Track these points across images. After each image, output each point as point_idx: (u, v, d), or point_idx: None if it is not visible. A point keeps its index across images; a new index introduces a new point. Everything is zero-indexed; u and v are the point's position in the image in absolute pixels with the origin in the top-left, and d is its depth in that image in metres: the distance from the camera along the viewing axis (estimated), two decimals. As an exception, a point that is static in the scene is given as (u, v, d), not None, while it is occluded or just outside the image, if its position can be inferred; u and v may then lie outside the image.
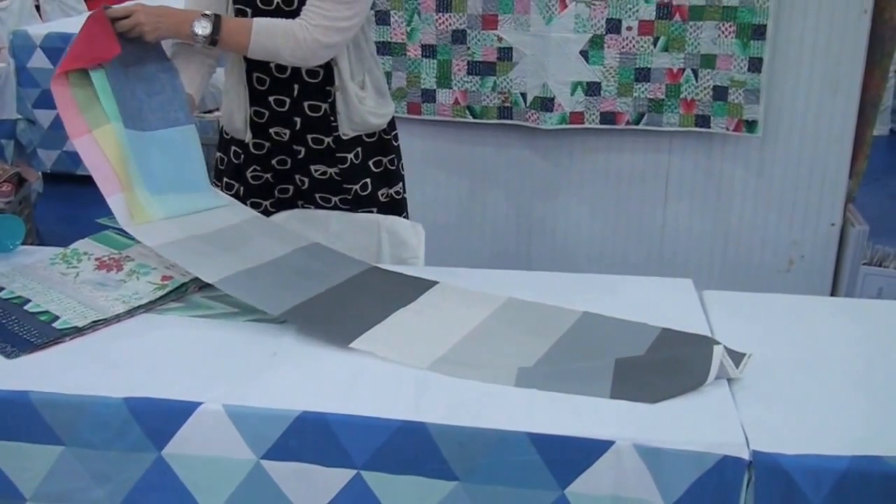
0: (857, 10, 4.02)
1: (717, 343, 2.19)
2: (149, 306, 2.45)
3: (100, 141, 2.64)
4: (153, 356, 2.23)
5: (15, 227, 2.78)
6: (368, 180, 3.13)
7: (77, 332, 2.31)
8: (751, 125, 4.15)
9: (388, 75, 4.27)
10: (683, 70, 4.15)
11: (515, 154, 4.46)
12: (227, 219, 2.77)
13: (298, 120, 3.03)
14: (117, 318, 2.39)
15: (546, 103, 4.21)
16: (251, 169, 3.13)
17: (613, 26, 4.11)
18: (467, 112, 4.34)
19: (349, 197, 3.12)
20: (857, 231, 4.27)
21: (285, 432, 1.99)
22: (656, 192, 4.42)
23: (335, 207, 3.14)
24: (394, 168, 3.22)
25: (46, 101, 6.71)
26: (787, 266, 4.41)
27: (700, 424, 1.96)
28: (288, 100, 3.01)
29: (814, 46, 4.11)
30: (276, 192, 3.18)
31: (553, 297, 2.53)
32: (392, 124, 3.21)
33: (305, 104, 3.01)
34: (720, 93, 4.14)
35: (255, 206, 3.12)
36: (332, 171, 3.10)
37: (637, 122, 4.25)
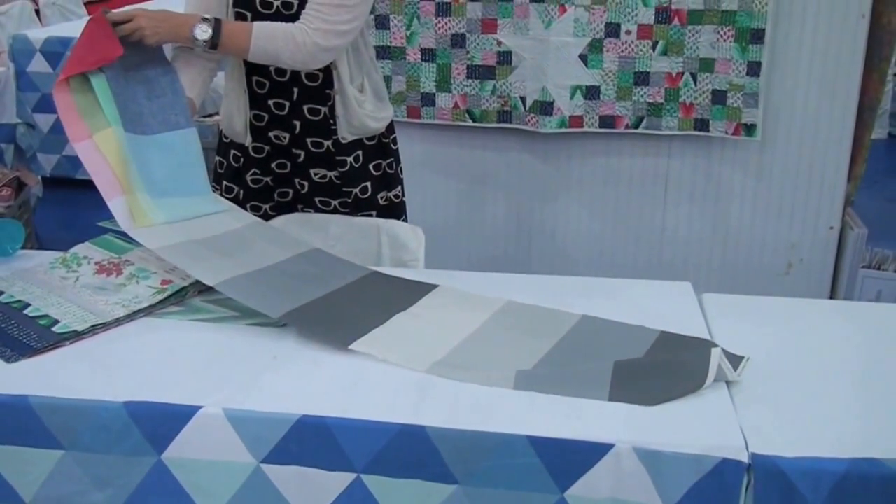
0: (855, 15, 4.03)
1: (715, 346, 2.20)
2: (149, 310, 2.45)
3: (101, 145, 2.65)
4: (153, 360, 2.24)
5: (15, 231, 2.78)
6: (368, 184, 3.14)
7: (77, 336, 2.31)
8: (750, 129, 4.15)
9: (388, 79, 4.27)
10: (682, 74, 4.15)
11: (515, 158, 4.46)
12: (227, 224, 2.77)
13: (298, 123, 3.03)
14: (117, 322, 2.39)
15: (545, 107, 4.21)
16: (251, 172, 3.13)
17: (612, 30, 4.11)
18: (467, 116, 4.34)
19: (349, 200, 3.13)
20: (856, 234, 4.27)
21: (285, 436, 2.00)
22: (655, 196, 4.42)
23: (335, 211, 3.14)
24: (393, 172, 3.22)
25: (46, 105, 6.72)
26: (786, 269, 4.41)
27: (699, 427, 1.96)
28: (287, 103, 3.01)
29: (812, 50, 4.11)
30: (275, 195, 3.18)
31: (552, 300, 2.54)
32: (391, 128, 3.21)
33: (305, 108, 3.01)
34: (719, 97, 4.15)
35: (254, 209, 3.12)
36: (331, 174, 3.10)
37: (636, 126, 4.25)
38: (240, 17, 2.89)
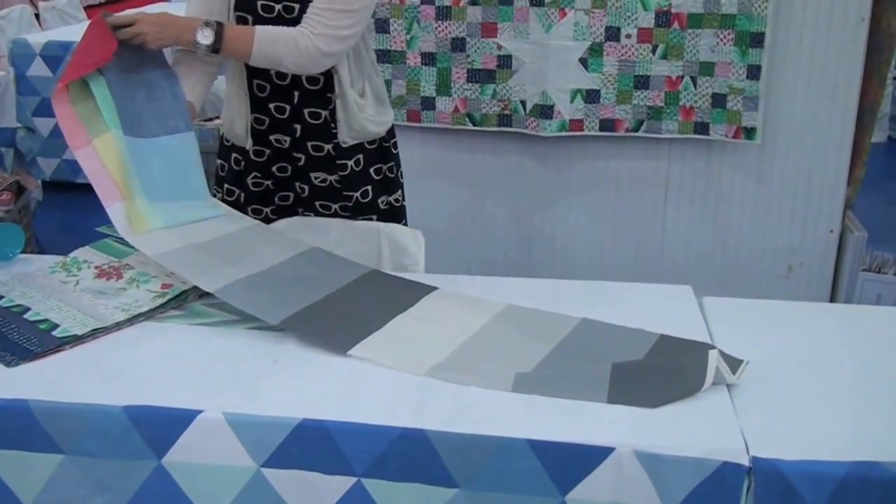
0: (855, 18, 4.03)
1: (713, 348, 2.20)
2: (149, 314, 2.45)
3: (100, 150, 2.65)
4: (153, 364, 2.24)
5: (14, 235, 2.78)
6: (369, 188, 3.14)
7: (77, 340, 2.31)
8: (749, 132, 4.15)
9: (388, 83, 4.28)
10: (682, 77, 4.15)
11: (515, 161, 4.46)
12: (225, 227, 2.77)
13: (298, 127, 3.03)
14: (117, 326, 2.39)
15: (545, 111, 4.22)
16: (252, 176, 3.13)
17: (612, 34, 4.11)
18: (467, 119, 4.35)
19: (349, 204, 3.12)
20: (856, 237, 4.27)
21: (286, 440, 2.00)
22: (656, 199, 4.42)
23: (335, 215, 3.14)
24: (393, 175, 3.22)
25: (46, 109, 6.72)
26: (786, 272, 4.41)
27: (700, 431, 1.96)
28: (288, 107, 3.01)
29: (812, 54, 4.11)
30: (276, 199, 3.18)
31: (552, 303, 2.53)
32: (392, 132, 3.21)
33: (305, 111, 3.01)
34: (719, 100, 4.15)
35: (255, 212, 3.12)
36: (331, 178, 3.10)
37: (636, 130, 4.25)
38: (241, 20, 2.89)
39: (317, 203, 3.14)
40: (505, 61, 4.22)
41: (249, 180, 3.14)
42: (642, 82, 4.17)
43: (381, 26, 4.25)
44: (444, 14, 4.19)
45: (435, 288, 2.62)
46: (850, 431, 1.99)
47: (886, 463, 1.87)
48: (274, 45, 2.80)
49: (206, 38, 2.74)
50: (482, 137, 4.42)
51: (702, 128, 4.21)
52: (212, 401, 2.06)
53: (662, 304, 2.57)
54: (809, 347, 2.36)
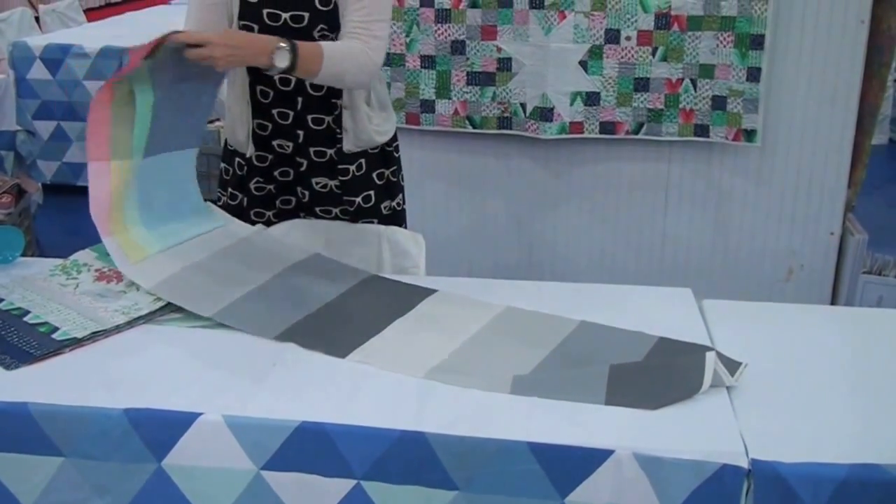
0: (855, 20, 4.03)
1: (711, 350, 2.20)
2: (148, 317, 2.45)
3: (113, 174, 2.62)
4: (153, 367, 2.24)
5: (14, 238, 2.78)
6: (371, 193, 3.13)
7: (76, 343, 2.31)
8: (750, 134, 4.15)
9: (388, 86, 4.26)
10: (682, 80, 4.15)
11: (515, 164, 4.46)
12: (222, 241, 2.77)
13: (301, 133, 3.02)
14: (117, 329, 2.39)
15: (545, 113, 4.22)
16: (254, 181, 3.13)
17: (612, 36, 4.11)
18: (467, 122, 4.34)
19: (350, 209, 3.12)
20: (857, 240, 4.27)
21: (285, 442, 2.00)
22: (656, 202, 4.42)
23: (336, 219, 3.14)
24: (395, 180, 3.22)
25: (46, 112, 6.73)
26: (787, 275, 4.41)
27: (699, 433, 1.97)
28: (291, 113, 3.00)
29: (812, 56, 4.11)
30: (278, 202, 3.17)
31: (552, 306, 2.54)
32: (394, 136, 3.20)
33: (309, 117, 3.00)
34: (719, 102, 4.15)
35: (258, 216, 3.12)
36: (332, 183, 3.10)
37: (636, 132, 4.25)
38: (246, 29, 2.88)
39: (317, 208, 3.14)
40: (505, 64, 4.22)
41: (252, 185, 3.13)
42: (642, 85, 4.17)
43: (381, 29, 4.25)
44: (443, 17, 4.19)
45: (434, 291, 2.62)
46: (850, 434, 1.99)
47: (886, 465, 1.87)
48: (340, 63, 2.77)
49: (283, 60, 2.66)
50: (482, 140, 4.41)
51: (702, 130, 4.21)
52: (211, 403, 2.06)
53: (662, 307, 2.57)
54: (809, 350, 2.36)
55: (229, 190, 3.18)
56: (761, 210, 4.35)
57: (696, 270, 4.45)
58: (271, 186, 3.14)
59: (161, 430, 2.04)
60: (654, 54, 4.12)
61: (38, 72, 6.74)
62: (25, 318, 2.42)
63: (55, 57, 6.72)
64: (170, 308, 2.49)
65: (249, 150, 3.07)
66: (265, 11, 2.84)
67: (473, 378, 2.17)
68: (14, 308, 2.47)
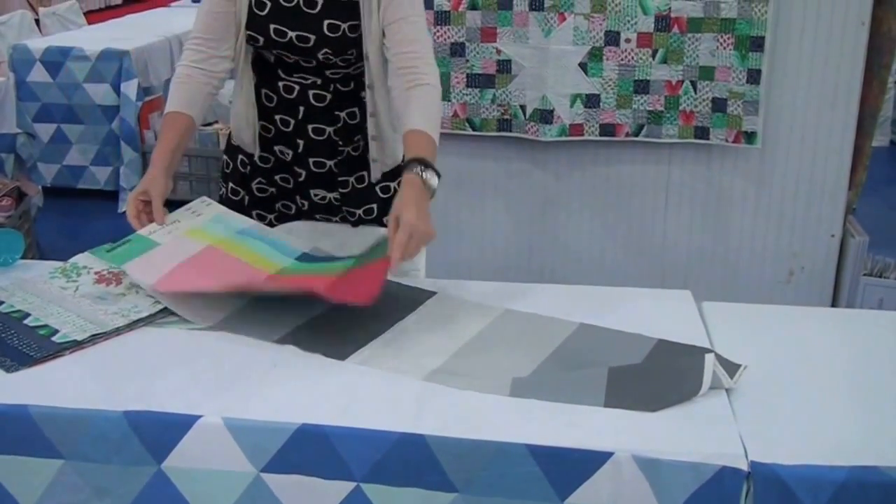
0: (855, 22, 4.03)
1: (710, 352, 2.20)
2: (148, 319, 2.45)
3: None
4: (152, 369, 2.23)
5: (14, 241, 2.78)
6: (374, 206, 3.09)
7: (76, 345, 2.31)
8: (750, 136, 4.16)
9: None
10: (682, 82, 4.16)
11: (515, 166, 4.46)
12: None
13: (301, 143, 3.01)
14: (117, 331, 2.39)
15: (545, 115, 4.22)
16: (256, 181, 3.11)
17: (612, 38, 4.12)
18: (467, 124, 4.35)
19: (352, 219, 3.10)
20: (858, 242, 4.28)
21: (285, 445, 2.00)
22: (656, 204, 4.43)
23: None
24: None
25: (46, 114, 6.76)
26: (788, 277, 4.41)
27: (699, 435, 1.96)
28: (293, 121, 2.98)
29: (812, 58, 4.12)
30: (279, 206, 3.16)
31: (552, 308, 2.53)
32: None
33: (310, 127, 2.98)
34: (719, 104, 4.15)
35: (260, 218, 3.11)
36: (331, 195, 3.08)
37: (636, 134, 4.25)
38: (252, 39, 2.86)
39: (317, 215, 3.13)
40: (504, 66, 4.23)
41: (254, 185, 3.12)
42: (642, 87, 4.17)
43: (381, 31, 4.25)
44: (443, 19, 4.19)
45: (433, 293, 2.62)
46: (850, 436, 1.98)
47: (886, 468, 1.87)
48: (436, 117, 2.79)
49: (434, 178, 2.62)
50: (482, 142, 4.42)
51: (702, 132, 4.22)
52: (211, 406, 2.06)
53: (662, 309, 2.57)
54: (809, 352, 2.36)
55: (230, 185, 3.17)
56: (762, 212, 4.35)
57: (696, 272, 4.45)
58: (273, 189, 3.13)
59: (161, 432, 2.04)
60: (654, 56, 4.12)
61: (39, 74, 6.77)
62: (25, 321, 2.41)
63: (55, 60, 6.75)
64: (170, 310, 2.49)
65: (256, 152, 3.05)
66: (272, 26, 2.82)
67: (473, 380, 2.17)
68: (14, 311, 2.47)
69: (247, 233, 2.77)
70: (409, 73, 2.80)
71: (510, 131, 4.34)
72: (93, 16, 10.90)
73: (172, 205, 2.79)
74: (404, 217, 2.45)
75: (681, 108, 4.19)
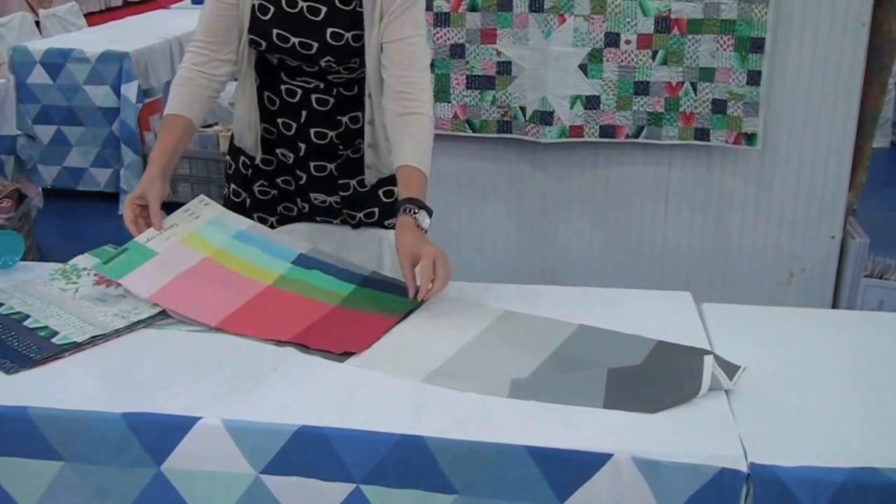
0: (856, 23, 4.03)
1: (709, 354, 2.20)
2: (148, 321, 2.45)
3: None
4: (152, 371, 2.24)
5: (14, 243, 2.78)
6: (375, 210, 3.09)
7: (76, 347, 2.31)
8: (750, 138, 4.15)
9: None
10: (682, 83, 4.16)
11: (515, 168, 4.46)
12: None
13: (303, 146, 3.00)
14: (116, 333, 2.39)
15: (545, 117, 4.22)
16: (258, 183, 3.11)
17: (612, 40, 4.11)
18: (466, 126, 4.35)
19: (352, 221, 3.10)
20: (858, 243, 4.27)
21: (284, 447, 2.00)
22: (656, 206, 4.42)
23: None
24: None
25: (46, 116, 6.76)
26: (788, 279, 4.41)
27: (698, 437, 1.96)
28: (294, 125, 2.98)
29: (812, 59, 4.11)
30: (280, 209, 3.15)
31: (551, 310, 2.54)
32: None
33: (312, 131, 2.97)
34: (719, 106, 4.15)
35: (262, 220, 3.10)
36: (332, 199, 3.08)
37: (636, 136, 4.25)
38: (254, 43, 2.85)
39: (318, 218, 3.12)
40: (504, 67, 4.22)
41: (256, 187, 3.12)
42: (642, 88, 4.17)
43: (381, 33, 4.25)
44: (443, 20, 4.19)
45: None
46: (850, 437, 1.99)
47: (885, 469, 1.87)
48: (429, 150, 2.79)
49: (426, 220, 2.65)
50: (481, 144, 4.42)
51: (702, 134, 4.21)
52: (210, 408, 2.06)
53: (661, 311, 2.57)
54: (810, 354, 2.36)
55: (232, 186, 3.17)
56: (762, 213, 4.35)
57: (696, 274, 4.45)
58: (275, 192, 3.13)
59: (160, 434, 2.04)
60: (654, 58, 4.12)
61: (39, 76, 6.77)
62: (25, 323, 2.42)
63: (55, 61, 6.75)
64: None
65: (258, 155, 3.05)
66: (275, 31, 2.81)
67: (472, 382, 2.17)
68: (14, 312, 2.47)
69: (243, 237, 2.77)
70: (404, 99, 2.80)
71: (510, 133, 4.34)
72: (93, 18, 10.89)
73: (172, 207, 2.78)
74: (425, 250, 2.53)
75: (681, 109, 4.19)
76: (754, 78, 4.07)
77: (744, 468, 1.88)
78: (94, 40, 7.21)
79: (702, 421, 2.02)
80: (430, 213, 2.65)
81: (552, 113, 4.20)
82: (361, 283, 2.67)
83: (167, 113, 2.87)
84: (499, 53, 4.21)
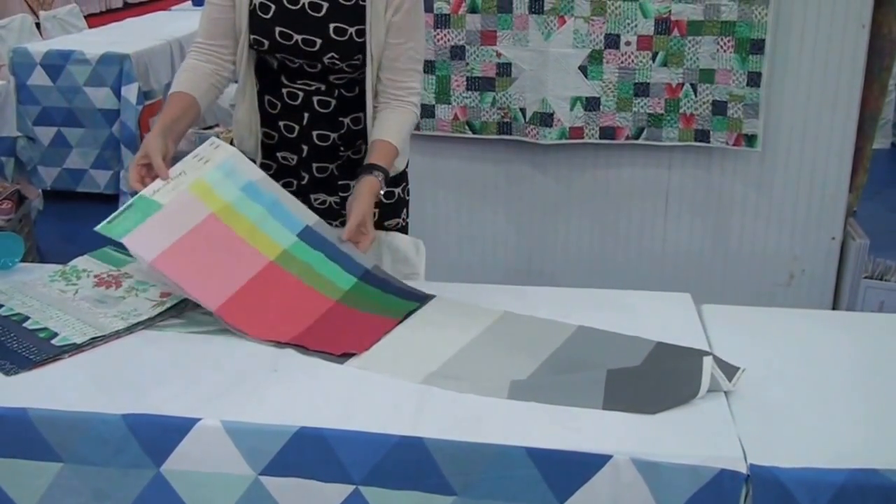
0: (856, 24, 4.03)
1: (708, 355, 2.20)
2: (148, 323, 2.45)
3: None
4: (152, 372, 2.24)
5: (14, 244, 2.78)
6: (375, 211, 3.10)
7: (76, 348, 2.31)
8: (750, 139, 4.15)
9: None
10: (682, 85, 4.15)
11: (515, 169, 4.46)
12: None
13: (306, 148, 3.01)
14: (116, 334, 2.39)
15: (545, 118, 4.22)
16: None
17: (612, 41, 4.11)
18: (467, 127, 4.35)
19: None
20: (858, 245, 4.27)
21: (283, 448, 2.00)
22: (656, 207, 4.42)
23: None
24: (402, 196, 3.18)
25: (47, 118, 6.75)
26: (788, 280, 4.41)
27: (698, 438, 1.96)
28: (297, 127, 2.98)
29: (812, 61, 4.11)
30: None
31: (551, 311, 2.54)
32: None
33: (314, 133, 2.97)
34: (719, 107, 4.15)
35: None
36: (331, 199, 3.08)
37: (636, 137, 4.25)
38: (257, 42, 2.85)
39: None
40: (504, 69, 4.22)
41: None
42: (642, 90, 4.17)
43: (382, 34, 4.25)
44: (443, 22, 4.19)
45: (432, 296, 2.62)
46: (849, 439, 1.99)
47: (885, 470, 1.87)
48: (407, 138, 2.93)
49: (383, 189, 2.80)
50: (482, 145, 4.42)
51: (702, 135, 4.21)
52: (210, 409, 2.06)
53: (661, 312, 2.57)
54: (809, 355, 2.36)
55: None
56: (762, 215, 4.35)
57: (696, 275, 4.45)
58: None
59: (160, 435, 2.04)
60: (654, 59, 4.12)
61: (39, 78, 6.76)
62: (25, 324, 2.42)
63: (56, 63, 6.74)
64: (169, 313, 2.49)
65: (258, 159, 3.04)
66: (277, 29, 2.81)
67: (471, 383, 2.17)
68: (14, 314, 2.47)
69: (252, 190, 2.69)
70: (394, 98, 2.89)
71: (510, 134, 4.34)
72: (93, 19, 10.86)
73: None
74: (369, 226, 2.75)
75: (681, 110, 4.19)
76: (754, 79, 4.07)
77: (743, 469, 1.88)
78: (94, 42, 7.20)
79: (701, 422, 2.02)
80: (387, 177, 2.84)
81: (552, 114, 4.20)
82: (363, 277, 2.66)
83: (171, 92, 2.87)
84: (499, 55, 4.21)
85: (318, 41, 2.81)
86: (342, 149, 3.02)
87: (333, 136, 2.99)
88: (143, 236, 2.48)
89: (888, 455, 1.91)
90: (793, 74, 4.14)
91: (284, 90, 2.93)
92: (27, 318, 2.45)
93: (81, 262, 2.73)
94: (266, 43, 2.83)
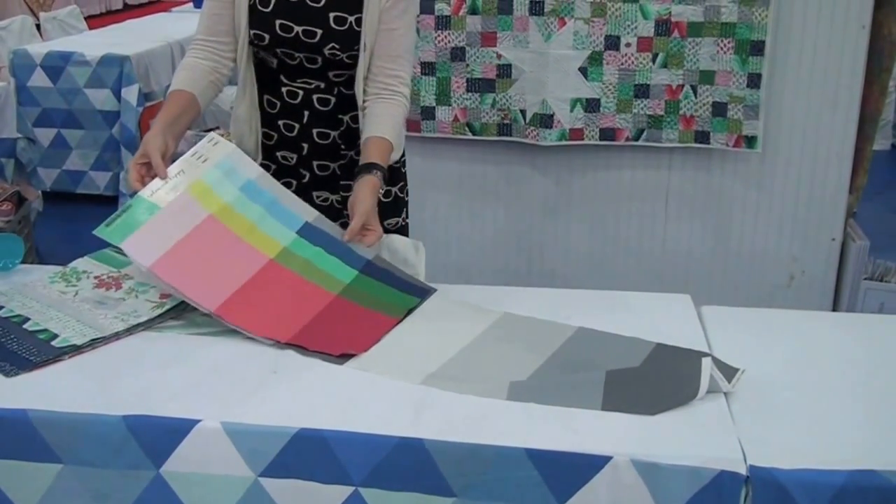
0: (856, 26, 4.03)
1: (707, 356, 2.20)
2: (147, 324, 2.45)
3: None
4: (151, 374, 2.24)
5: (14, 246, 2.78)
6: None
7: (76, 350, 2.31)
8: (750, 141, 4.15)
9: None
10: (682, 86, 4.15)
11: (515, 171, 4.46)
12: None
13: (306, 146, 3.01)
14: (116, 336, 2.39)
15: (545, 120, 4.22)
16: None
17: (612, 43, 4.11)
18: (467, 129, 4.34)
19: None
20: (858, 246, 4.27)
21: (283, 449, 2.00)
22: (656, 208, 4.42)
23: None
24: (401, 196, 3.18)
25: (46, 119, 6.76)
26: (788, 281, 4.41)
27: (697, 439, 1.96)
28: (297, 125, 2.98)
29: (813, 62, 4.11)
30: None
31: (551, 312, 2.54)
32: (402, 152, 3.18)
33: (314, 131, 2.98)
34: (719, 108, 4.15)
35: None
36: (333, 198, 3.08)
37: (637, 138, 4.25)
38: (257, 38, 2.85)
39: None
40: (504, 70, 4.22)
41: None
42: (642, 91, 4.17)
43: (382, 36, 4.24)
44: (443, 23, 4.19)
45: (434, 289, 2.64)
46: (849, 440, 1.99)
47: (884, 471, 1.87)
48: (401, 132, 2.92)
49: (382, 186, 2.79)
50: (482, 147, 4.41)
51: (702, 136, 4.21)
52: (210, 410, 2.06)
53: (661, 313, 2.57)
54: (809, 356, 2.36)
55: None
56: (762, 216, 4.35)
57: (696, 277, 4.45)
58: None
59: (159, 436, 2.04)
60: (654, 61, 4.12)
61: (39, 79, 6.77)
62: (25, 325, 2.42)
63: (56, 64, 6.75)
64: (169, 315, 2.49)
65: (258, 159, 3.04)
66: (278, 22, 2.81)
67: (471, 384, 2.17)
68: (14, 315, 2.47)
69: (251, 189, 2.68)
70: (385, 88, 2.89)
71: (510, 136, 4.34)
72: (93, 21, 10.88)
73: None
74: (374, 223, 2.69)
75: (681, 112, 4.19)
76: (754, 81, 4.07)
77: (743, 470, 1.88)
78: (94, 43, 7.20)
79: (701, 423, 2.02)
80: (386, 174, 2.81)
81: (552, 116, 4.20)
82: (364, 268, 2.66)
83: (170, 90, 2.87)
84: (499, 56, 4.21)
85: (319, 31, 2.82)
86: (343, 148, 3.02)
87: (333, 134, 2.99)
88: (142, 240, 2.49)
89: (888, 456, 1.92)
90: (793, 76, 4.14)
91: (284, 89, 2.93)
92: (27, 319, 2.45)
93: (81, 263, 2.73)
94: (267, 37, 2.83)
